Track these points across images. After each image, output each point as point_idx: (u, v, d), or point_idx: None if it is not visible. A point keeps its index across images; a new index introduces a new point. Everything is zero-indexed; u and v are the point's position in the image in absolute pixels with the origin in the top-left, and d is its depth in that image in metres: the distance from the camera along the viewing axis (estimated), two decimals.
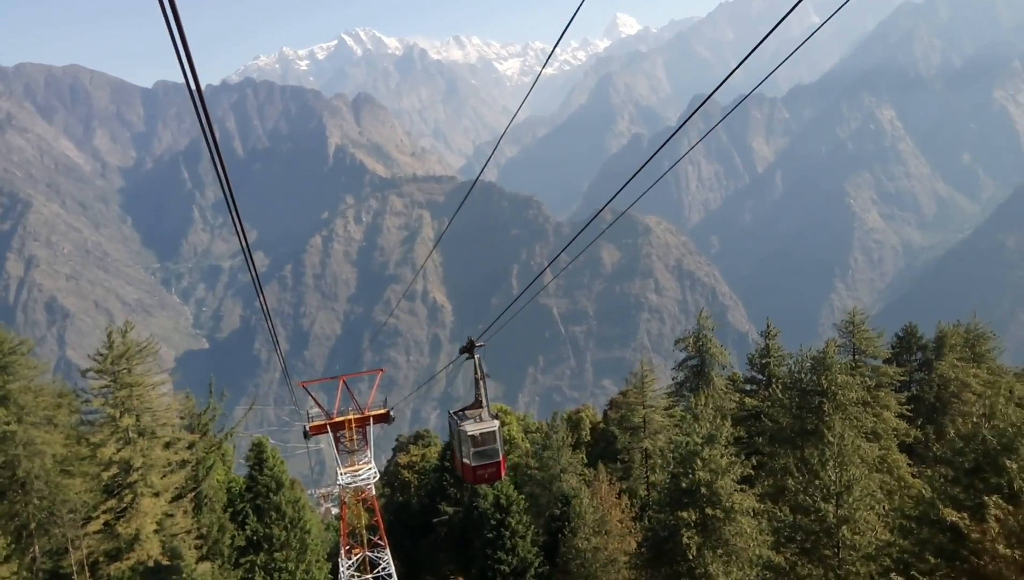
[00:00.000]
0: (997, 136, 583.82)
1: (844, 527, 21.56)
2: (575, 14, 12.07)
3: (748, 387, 47.33)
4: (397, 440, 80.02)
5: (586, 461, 46.14)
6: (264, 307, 16.39)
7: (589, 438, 54.43)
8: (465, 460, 22.67)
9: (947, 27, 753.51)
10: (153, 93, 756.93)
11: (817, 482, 22.38)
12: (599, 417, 59.55)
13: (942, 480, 17.29)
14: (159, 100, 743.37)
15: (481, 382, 21.57)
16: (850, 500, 21.48)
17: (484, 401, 22.37)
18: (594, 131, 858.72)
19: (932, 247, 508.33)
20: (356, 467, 32.22)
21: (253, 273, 13.08)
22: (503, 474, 23.37)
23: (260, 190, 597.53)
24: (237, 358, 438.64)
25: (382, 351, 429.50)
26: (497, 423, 22.36)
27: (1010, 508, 13.66)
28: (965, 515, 14.42)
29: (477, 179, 22.85)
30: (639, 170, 12.56)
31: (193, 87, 6.90)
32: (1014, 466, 14.38)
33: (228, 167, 8.47)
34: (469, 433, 22.06)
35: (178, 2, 5.91)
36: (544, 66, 13.58)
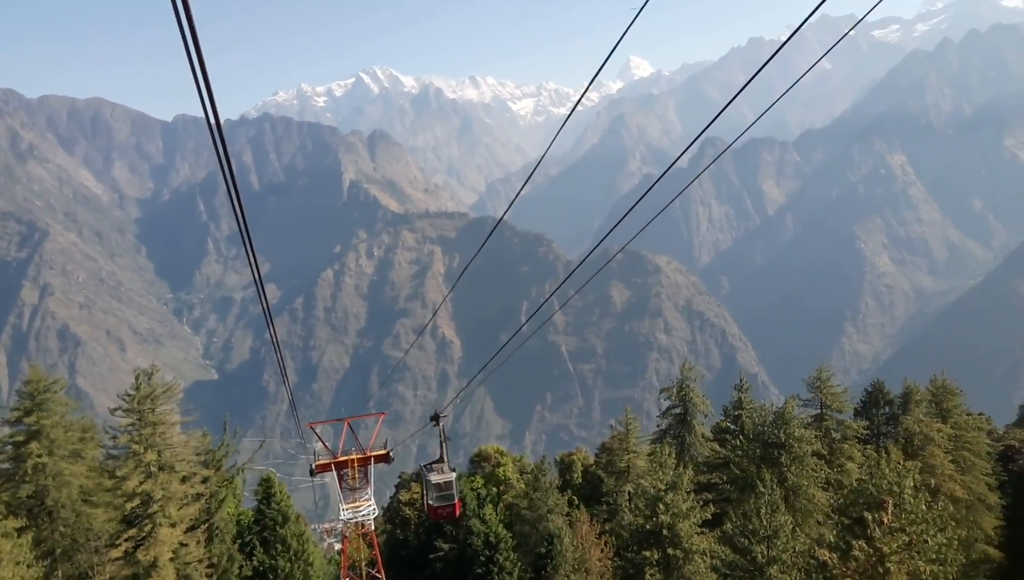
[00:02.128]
0: (1008, 183, 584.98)
1: (773, 566, 24.10)
2: (601, 67, 12.31)
3: (724, 436, 49.79)
4: (400, 477, 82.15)
5: (576, 503, 48.47)
6: (274, 339, 16.71)
7: (581, 480, 56.73)
8: (430, 501, 28.80)
9: (957, 75, 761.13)
10: (172, 126, 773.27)
11: (750, 527, 25.06)
12: (592, 459, 61.86)
13: (838, 527, 20.08)
14: (178, 133, 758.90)
15: (444, 443, 28.00)
16: (778, 544, 24.10)
17: (445, 458, 28.52)
18: (606, 171, 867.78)
19: (943, 293, 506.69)
20: (357, 503, 34.59)
21: (264, 304, 13.27)
22: (458, 513, 29.59)
23: (274, 223, 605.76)
24: (246, 389, 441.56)
25: (390, 385, 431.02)
26: (455, 474, 28.53)
27: (869, 550, 16.48)
28: (835, 555, 17.27)
29: (500, 221, 25.37)
30: (637, 202, 13.83)
31: (212, 121, 7.10)
32: (869, 516, 17.15)
33: (243, 200, 8.72)
34: (433, 481, 28.26)
35: (200, 38, 6.02)
36: (570, 114, 14.00)
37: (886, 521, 16.59)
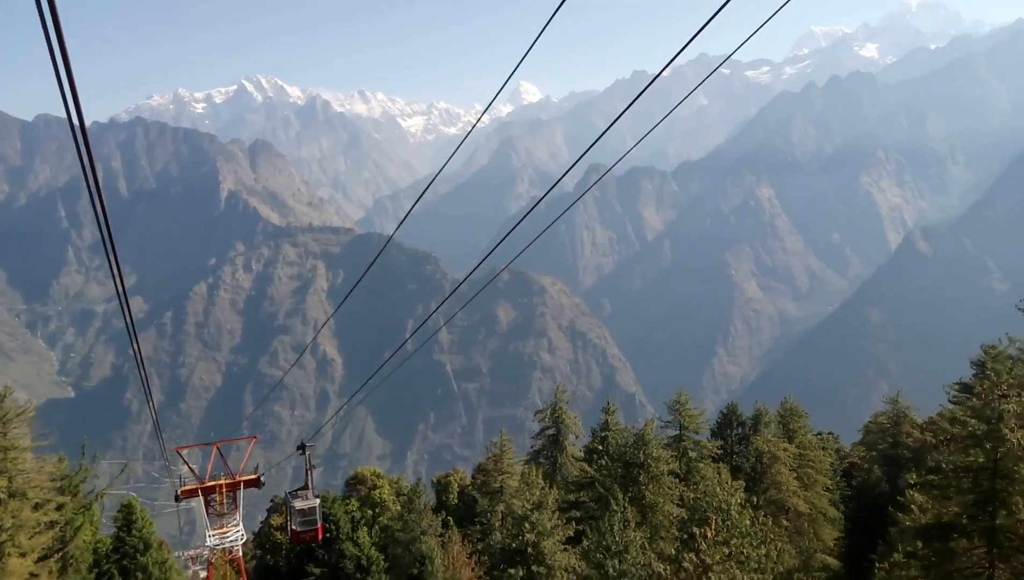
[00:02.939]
0: (863, 218, 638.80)
1: None
2: (500, 91, 12.92)
3: (592, 456, 52.11)
4: (272, 501, 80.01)
5: (451, 523, 49.16)
6: (137, 354, 15.95)
7: (456, 501, 57.47)
8: (294, 527, 30.15)
9: (820, 116, 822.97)
10: (33, 126, 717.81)
11: (604, 542, 26.90)
12: (469, 480, 62.76)
13: (678, 543, 22.26)
14: (39, 133, 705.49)
15: (309, 471, 29.66)
16: (629, 558, 26.01)
17: (310, 485, 30.18)
18: (494, 192, 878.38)
19: (805, 318, 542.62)
20: (225, 529, 33.89)
21: (127, 317, 12.57)
22: (320, 538, 31.06)
23: (143, 233, 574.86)
24: (105, 408, 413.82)
25: (265, 405, 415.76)
26: (317, 501, 30.16)
27: (697, 562, 18.61)
28: (670, 566, 19.35)
29: (390, 239, 25.32)
30: (520, 221, 14.53)
31: (76, 123, 6.77)
32: (698, 531, 19.36)
33: (109, 207, 8.75)
34: (297, 507, 29.71)
35: (68, 36, 5.62)
36: (465, 137, 14.47)
37: (710, 535, 18.71)
